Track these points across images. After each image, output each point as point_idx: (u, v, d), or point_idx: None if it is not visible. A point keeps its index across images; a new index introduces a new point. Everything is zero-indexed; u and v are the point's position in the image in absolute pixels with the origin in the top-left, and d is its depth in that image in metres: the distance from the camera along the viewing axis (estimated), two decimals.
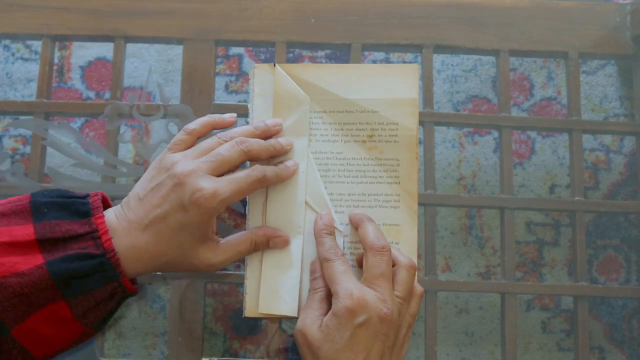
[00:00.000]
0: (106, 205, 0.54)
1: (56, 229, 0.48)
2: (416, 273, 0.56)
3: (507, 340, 0.69)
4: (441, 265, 0.89)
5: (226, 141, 0.55)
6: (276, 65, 0.61)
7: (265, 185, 0.57)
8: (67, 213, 0.50)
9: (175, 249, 0.52)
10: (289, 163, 0.58)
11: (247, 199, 0.60)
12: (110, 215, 0.52)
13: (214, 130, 0.58)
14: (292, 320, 0.85)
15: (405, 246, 0.59)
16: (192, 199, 0.51)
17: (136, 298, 0.71)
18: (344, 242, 0.59)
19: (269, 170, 0.56)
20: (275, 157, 0.58)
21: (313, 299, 0.55)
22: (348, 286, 0.52)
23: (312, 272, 0.57)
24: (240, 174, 0.54)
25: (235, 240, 0.56)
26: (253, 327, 0.86)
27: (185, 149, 0.56)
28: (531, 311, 0.88)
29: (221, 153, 0.54)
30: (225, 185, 0.52)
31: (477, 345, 0.87)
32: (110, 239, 0.49)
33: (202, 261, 0.54)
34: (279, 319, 0.71)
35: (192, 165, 0.52)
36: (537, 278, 0.88)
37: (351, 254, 0.59)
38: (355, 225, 0.58)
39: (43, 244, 0.48)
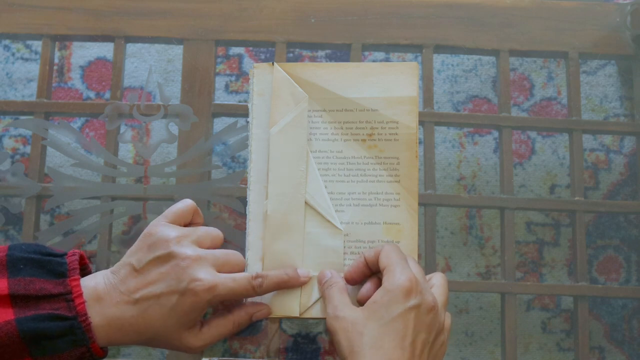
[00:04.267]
0: (83, 264, 0.53)
1: (30, 286, 0.48)
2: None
3: (507, 340, 0.69)
4: (441, 265, 0.89)
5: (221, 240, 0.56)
6: (275, 63, 0.61)
7: (260, 293, 0.56)
8: (43, 272, 0.49)
9: (160, 328, 0.51)
10: (301, 272, 0.58)
11: (247, 199, 0.60)
12: (99, 280, 0.51)
13: None
14: (292, 320, 0.85)
15: (406, 245, 0.59)
16: (189, 286, 0.50)
17: None
18: (344, 242, 0.59)
19: (269, 278, 0.55)
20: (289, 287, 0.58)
21: (333, 291, 0.55)
22: (405, 269, 0.52)
23: (321, 278, 0.57)
24: (240, 277, 0.53)
25: (216, 323, 0.55)
26: (253, 327, 0.86)
27: (184, 225, 0.56)
28: (531, 311, 0.88)
29: (229, 257, 0.54)
30: (225, 283, 0.52)
31: (477, 345, 0.87)
32: (83, 302, 0.49)
33: (182, 345, 0.53)
34: (279, 319, 0.71)
35: (202, 253, 0.52)
36: (537, 278, 0.88)
37: (352, 253, 0.59)
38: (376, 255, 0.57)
39: (15, 299, 0.47)
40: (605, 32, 0.76)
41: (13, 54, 0.93)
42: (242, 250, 0.60)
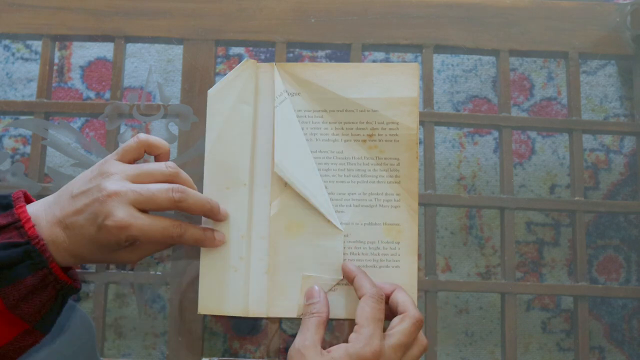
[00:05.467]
0: (28, 199, 0.54)
1: None
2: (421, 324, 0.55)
3: (507, 340, 0.69)
4: (441, 265, 0.89)
5: (169, 176, 0.55)
6: (258, 62, 0.62)
7: (179, 243, 0.56)
8: None
9: (87, 252, 0.52)
10: (217, 235, 0.58)
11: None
12: (38, 206, 0.53)
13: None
14: (292, 320, 0.85)
15: (406, 246, 0.59)
16: (103, 222, 0.51)
17: (136, 298, 0.71)
18: (344, 243, 0.59)
19: (189, 232, 0.55)
20: (206, 216, 0.58)
21: (310, 323, 0.54)
22: (374, 337, 0.52)
23: (309, 297, 0.57)
24: (159, 222, 0.53)
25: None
26: (253, 327, 0.86)
27: (133, 160, 0.56)
28: (531, 311, 0.88)
29: (153, 192, 0.53)
30: (140, 223, 0.52)
31: (477, 345, 0.87)
32: (33, 226, 0.50)
33: (119, 260, 0.55)
34: (279, 319, 0.71)
35: (120, 188, 0.52)
36: (537, 278, 0.88)
37: (351, 253, 0.59)
38: (349, 277, 0.58)
39: None
40: (605, 32, 0.76)
41: (13, 54, 0.93)
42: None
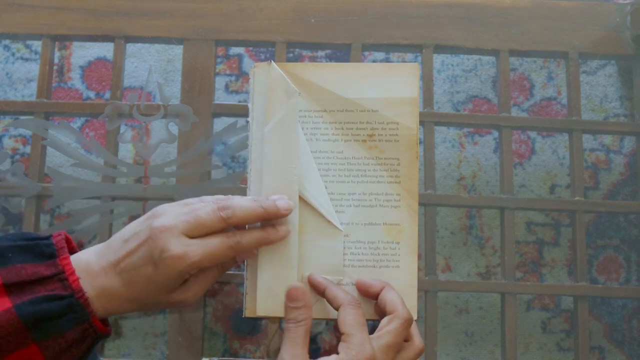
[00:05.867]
0: (69, 245, 0.53)
1: (22, 272, 0.48)
2: (414, 324, 0.56)
3: (507, 340, 0.69)
4: (441, 265, 0.89)
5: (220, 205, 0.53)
6: (272, 62, 0.61)
7: (240, 252, 0.54)
8: (32, 256, 0.49)
9: (145, 296, 0.52)
10: (281, 227, 0.56)
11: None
12: (90, 254, 0.52)
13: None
14: None
15: (406, 245, 0.59)
16: (160, 258, 0.50)
17: None
18: (344, 243, 0.59)
19: (246, 238, 0.54)
20: (265, 220, 0.56)
21: (298, 333, 0.53)
22: (365, 340, 0.51)
23: (292, 299, 0.55)
24: (213, 240, 0.52)
25: (201, 273, 0.54)
26: (253, 327, 0.86)
27: None
28: (531, 311, 0.88)
29: (199, 215, 0.52)
30: (195, 249, 0.51)
31: (477, 345, 0.87)
32: (77, 279, 0.49)
33: (173, 304, 0.53)
34: (280, 319, 0.71)
35: (169, 222, 0.51)
36: (537, 278, 0.88)
37: (352, 253, 0.59)
38: (319, 289, 0.57)
39: (10, 288, 0.48)
40: (605, 32, 0.76)
41: (13, 54, 0.93)
42: None
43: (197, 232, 0.52)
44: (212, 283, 0.56)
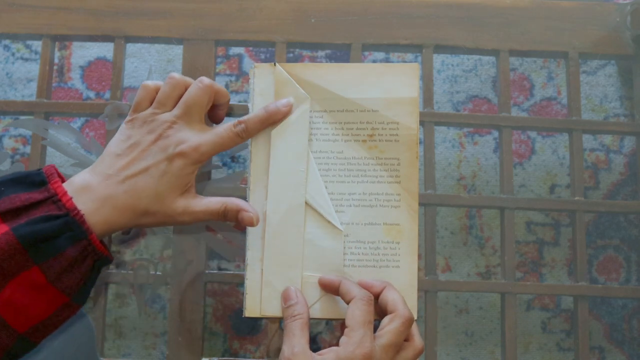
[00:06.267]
0: (59, 175, 0.54)
1: (16, 200, 0.49)
2: (415, 321, 0.56)
3: (507, 340, 0.69)
4: (441, 265, 0.89)
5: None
6: (277, 64, 0.61)
7: (247, 138, 0.59)
8: (24, 186, 0.50)
9: (152, 197, 0.53)
10: (279, 102, 0.60)
11: (247, 199, 0.60)
12: (84, 175, 0.53)
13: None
14: None
15: (406, 246, 0.59)
16: (176, 150, 0.54)
17: (136, 298, 0.71)
18: (344, 243, 0.59)
19: (250, 121, 0.58)
20: (273, 123, 0.60)
21: (294, 327, 0.54)
22: (364, 339, 0.52)
23: (287, 299, 0.57)
24: (224, 130, 0.57)
25: (208, 200, 0.57)
26: (253, 327, 0.86)
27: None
28: (531, 311, 0.88)
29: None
30: (208, 139, 0.55)
31: (477, 345, 0.87)
32: (70, 199, 0.50)
33: (176, 209, 0.55)
34: (279, 319, 0.71)
35: (174, 116, 0.55)
36: (537, 278, 0.88)
37: (352, 253, 0.59)
38: (333, 286, 0.58)
39: (5, 216, 0.48)
40: (605, 32, 0.76)
41: (13, 54, 0.93)
42: (242, 250, 0.60)
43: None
44: (212, 216, 0.57)
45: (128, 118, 0.57)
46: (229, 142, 0.57)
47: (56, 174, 0.52)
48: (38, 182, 0.51)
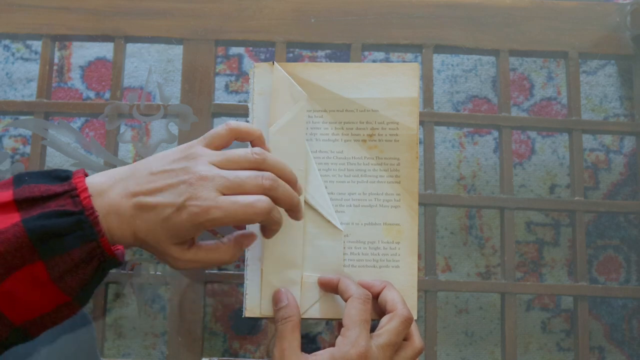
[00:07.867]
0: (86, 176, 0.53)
1: (34, 189, 0.48)
2: (414, 321, 0.55)
3: (507, 340, 0.69)
4: (441, 265, 0.89)
5: (255, 163, 0.52)
6: (275, 63, 0.61)
7: (263, 222, 0.53)
8: (48, 179, 0.49)
9: (149, 234, 0.50)
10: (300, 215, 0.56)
11: None
12: (108, 176, 0.51)
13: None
14: None
15: (406, 246, 0.59)
16: (185, 203, 0.49)
17: (136, 298, 0.71)
18: (344, 243, 0.59)
19: (276, 210, 0.52)
20: (290, 210, 0.55)
21: (285, 329, 0.54)
22: (360, 339, 0.51)
23: (277, 301, 0.56)
24: (243, 201, 0.50)
25: (206, 247, 0.53)
26: (253, 327, 0.86)
27: (220, 147, 0.54)
28: (531, 311, 0.88)
29: (242, 179, 0.51)
30: (223, 206, 0.50)
31: (477, 345, 0.87)
32: (89, 196, 0.48)
33: (168, 256, 0.52)
34: None
35: (209, 172, 0.50)
36: (537, 278, 0.88)
37: (352, 253, 0.59)
38: (331, 285, 0.57)
39: (21, 204, 0.47)
40: (605, 32, 0.76)
41: (13, 54, 0.93)
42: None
43: (232, 192, 0.50)
44: (210, 264, 0.54)
45: (196, 141, 0.53)
46: (246, 218, 0.50)
47: (83, 172, 0.50)
48: (63, 176, 0.49)
